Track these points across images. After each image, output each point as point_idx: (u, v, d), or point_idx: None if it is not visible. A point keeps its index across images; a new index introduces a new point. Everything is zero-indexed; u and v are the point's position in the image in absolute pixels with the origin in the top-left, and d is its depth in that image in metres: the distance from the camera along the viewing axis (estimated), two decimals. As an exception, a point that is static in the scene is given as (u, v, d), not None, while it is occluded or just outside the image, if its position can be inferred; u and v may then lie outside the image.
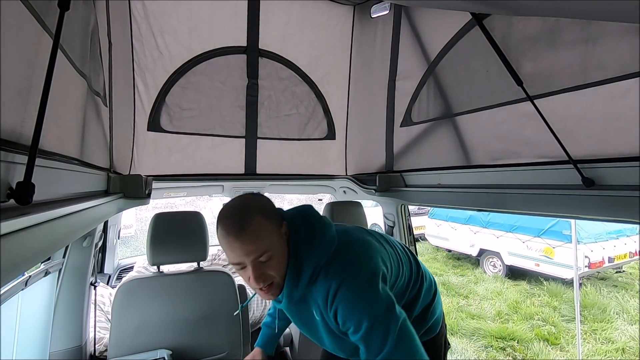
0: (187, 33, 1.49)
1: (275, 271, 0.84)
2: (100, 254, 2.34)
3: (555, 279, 5.66)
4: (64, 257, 1.46)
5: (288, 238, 0.89)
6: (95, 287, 1.63)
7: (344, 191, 2.04)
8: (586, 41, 0.94)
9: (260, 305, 2.17)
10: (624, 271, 5.97)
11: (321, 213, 1.05)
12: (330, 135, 1.86)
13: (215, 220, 0.87)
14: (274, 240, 0.83)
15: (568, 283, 5.39)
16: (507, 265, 6.24)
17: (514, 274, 6.23)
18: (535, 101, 1.05)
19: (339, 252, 0.88)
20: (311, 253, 0.87)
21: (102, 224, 1.99)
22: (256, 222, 0.81)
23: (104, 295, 1.96)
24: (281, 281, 0.87)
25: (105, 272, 2.40)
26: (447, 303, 5.17)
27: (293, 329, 2.03)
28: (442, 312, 1.17)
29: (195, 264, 1.69)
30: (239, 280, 1.95)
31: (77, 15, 0.74)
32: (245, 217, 0.81)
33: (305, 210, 0.95)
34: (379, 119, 1.76)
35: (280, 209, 0.93)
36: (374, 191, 1.80)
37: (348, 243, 0.92)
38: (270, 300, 1.21)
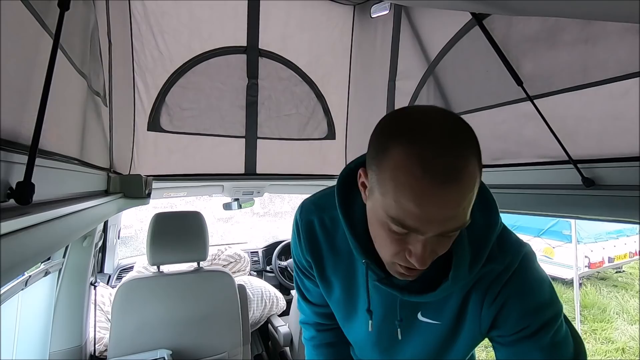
0: (187, 33, 1.49)
1: (440, 252, 0.52)
2: (100, 254, 2.34)
3: (555, 279, 5.65)
4: (64, 257, 1.46)
5: None
6: (95, 287, 1.63)
7: (344, 191, 2.04)
8: (586, 41, 0.94)
9: (260, 305, 2.17)
10: (624, 271, 5.97)
11: None
12: (330, 135, 1.86)
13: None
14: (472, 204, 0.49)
15: (568, 283, 5.38)
16: (507, 265, 6.23)
17: (514, 274, 6.22)
18: (535, 101, 1.05)
19: (505, 233, 0.63)
20: (492, 231, 0.58)
21: (102, 224, 1.99)
22: (472, 168, 0.45)
23: (104, 295, 1.96)
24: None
25: (105, 272, 2.40)
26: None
27: (293, 329, 2.03)
28: None
29: (195, 264, 1.69)
30: (238, 280, 1.95)
31: (77, 15, 0.74)
32: (462, 154, 0.45)
33: None
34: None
35: None
36: (374, 191, 1.79)
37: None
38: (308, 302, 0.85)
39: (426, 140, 0.45)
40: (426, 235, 0.47)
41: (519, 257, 0.60)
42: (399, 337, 0.66)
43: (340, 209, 0.62)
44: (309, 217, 0.71)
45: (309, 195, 0.76)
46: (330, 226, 0.69)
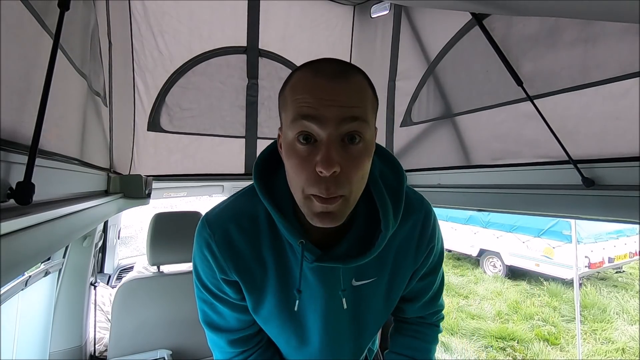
0: (187, 33, 1.49)
1: (354, 170, 0.52)
2: (100, 254, 2.34)
3: (555, 279, 5.66)
4: (64, 257, 1.46)
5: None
6: (95, 287, 1.63)
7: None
8: (586, 41, 0.94)
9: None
10: (624, 271, 5.97)
11: None
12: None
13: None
14: (371, 116, 0.54)
15: (568, 283, 5.39)
16: (507, 266, 6.24)
17: (514, 274, 6.23)
18: (535, 101, 1.05)
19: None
20: (402, 179, 0.66)
21: (102, 224, 1.99)
22: (359, 78, 0.53)
23: (104, 295, 1.96)
24: (350, 202, 0.54)
25: (105, 272, 2.40)
26: (447, 303, 5.15)
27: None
28: None
29: (195, 264, 1.68)
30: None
31: (77, 15, 0.74)
32: (347, 66, 0.54)
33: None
34: (379, 119, 1.76)
35: None
36: (374, 191, 1.80)
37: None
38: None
39: (317, 63, 0.54)
40: (328, 132, 0.50)
41: (429, 206, 0.71)
42: (344, 305, 0.65)
43: (263, 195, 0.60)
44: (224, 227, 0.63)
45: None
46: (250, 228, 0.63)
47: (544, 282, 5.74)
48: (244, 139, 1.67)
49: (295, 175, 0.53)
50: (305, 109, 0.50)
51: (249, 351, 0.77)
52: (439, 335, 0.85)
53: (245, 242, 0.63)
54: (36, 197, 0.43)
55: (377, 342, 0.98)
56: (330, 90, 0.50)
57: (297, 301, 0.63)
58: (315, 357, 0.72)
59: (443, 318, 0.85)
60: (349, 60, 1.83)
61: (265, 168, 0.64)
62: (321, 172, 0.49)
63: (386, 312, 0.73)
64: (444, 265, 0.81)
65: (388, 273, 0.68)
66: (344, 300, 0.65)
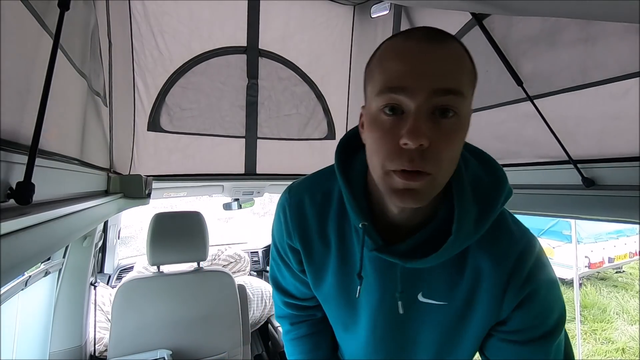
0: (187, 33, 1.49)
1: (445, 149, 0.46)
2: (100, 254, 2.34)
3: (555, 279, 5.66)
4: (64, 257, 1.46)
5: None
6: (95, 287, 1.63)
7: (344, 191, 2.04)
8: (586, 41, 0.94)
9: (260, 305, 2.18)
10: (624, 271, 5.97)
11: None
12: (330, 135, 1.86)
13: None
14: (468, 91, 0.47)
15: (568, 283, 5.39)
16: (507, 265, 6.23)
17: (514, 274, 6.22)
18: (535, 101, 1.05)
19: (510, 213, 0.61)
20: (500, 194, 0.55)
21: (102, 224, 1.99)
22: (457, 45, 0.47)
23: (104, 295, 1.96)
24: (436, 184, 0.47)
25: (105, 272, 2.40)
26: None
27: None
28: None
29: (195, 264, 1.69)
30: (238, 280, 1.95)
31: (77, 15, 0.74)
32: (443, 32, 0.47)
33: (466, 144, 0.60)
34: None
35: None
36: (374, 191, 1.80)
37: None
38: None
39: (410, 30, 0.48)
40: (417, 103, 0.44)
41: (535, 243, 0.56)
42: (400, 310, 0.57)
43: (339, 169, 0.58)
44: (300, 197, 0.64)
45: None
46: (322, 203, 0.63)
47: (544, 282, 5.73)
48: (244, 139, 1.67)
49: (377, 148, 0.47)
50: (393, 79, 0.45)
51: (302, 318, 0.80)
52: None
53: (313, 215, 0.63)
54: (36, 197, 0.43)
55: None
56: (422, 56, 0.44)
57: (359, 287, 0.58)
58: (360, 350, 0.69)
59: None
60: (348, 60, 1.83)
61: (346, 148, 0.62)
62: (406, 144, 0.43)
63: (450, 348, 0.62)
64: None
65: (461, 304, 0.57)
66: (399, 303, 0.57)
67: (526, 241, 0.55)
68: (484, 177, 0.56)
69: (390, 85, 0.45)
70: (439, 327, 0.59)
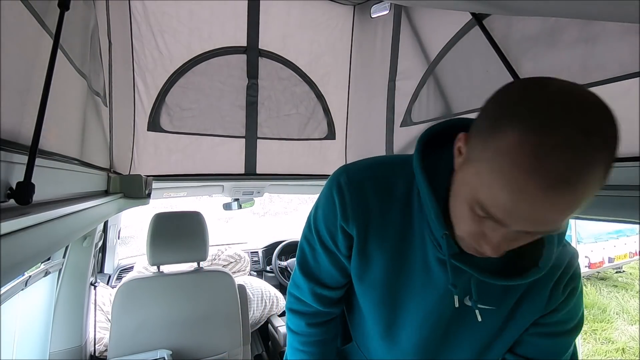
0: (187, 33, 1.49)
1: (524, 242, 0.47)
2: (100, 254, 2.34)
3: (555, 279, 5.65)
4: (64, 257, 1.46)
5: None
6: (95, 287, 1.63)
7: (344, 191, 2.04)
8: (586, 41, 0.94)
9: (260, 305, 2.18)
10: (624, 271, 5.97)
11: None
12: (330, 135, 1.86)
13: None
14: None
15: (568, 283, 5.38)
16: (507, 265, 6.23)
17: (514, 274, 6.22)
18: (535, 101, 1.04)
19: None
20: None
21: (102, 224, 1.99)
22: (596, 176, 0.38)
23: (104, 295, 1.96)
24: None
25: (105, 272, 2.40)
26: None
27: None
28: None
29: (195, 264, 1.69)
30: (239, 280, 1.95)
31: (77, 15, 0.74)
32: (592, 160, 0.37)
33: None
34: (379, 119, 1.76)
35: None
36: (374, 191, 1.79)
37: None
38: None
39: (552, 130, 0.36)
40: (509, 229, 0.42)
41: (575, 253, 0.62)
42: (479, 318, 0.58)
43: (421, 173, 0.55)
44: (362, 179, 0.61)
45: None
46: (385, 192, 0.60)
47: (544, 282, 5.73)
48: (244, 139, 1.67)
49: (461, 220, 0.48)
50: (496, 211, 0.41)
51: (323, 317, 0.77)
52: None
53: (375, 202, 0.60)
54: (36, 197, 0.43)
55: None
56: (541, 203, 0.37)
57: (455, 296, 0.58)
58: (399, 349, 0.69)
59: None
60: (348, 60, 1.83)
61: (431, 143, 0.58)
62: (485, 250, 0.46)
63: (489, 347, 0.65)
64: None
65: (510, 307, 0.61)
66: (477, 312, 0.58)
67: (570, 252, 0.61)
68: None
69: (488, 210, 0.42)
70: (483, 330, 0.62)
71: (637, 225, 3.68)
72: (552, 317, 0.62)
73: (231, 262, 2.37)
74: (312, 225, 0.69)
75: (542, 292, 0.60)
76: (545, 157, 0.36)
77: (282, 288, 2.55)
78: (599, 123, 0.39)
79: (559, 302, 0.61)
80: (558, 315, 0.62)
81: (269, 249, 2.77)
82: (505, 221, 0.41)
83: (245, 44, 1.60)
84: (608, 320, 4.62)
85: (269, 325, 2.26)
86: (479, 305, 0.58)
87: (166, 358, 1.44)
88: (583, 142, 0.36)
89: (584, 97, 0.39)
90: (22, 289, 1.12)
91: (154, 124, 1.50)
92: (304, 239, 0.73)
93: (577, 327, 0.64)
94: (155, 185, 1.43)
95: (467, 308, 0.59)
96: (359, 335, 0.79)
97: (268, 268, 2.71)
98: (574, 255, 0.62)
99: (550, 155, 0.36)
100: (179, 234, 1.56)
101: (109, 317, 1.66)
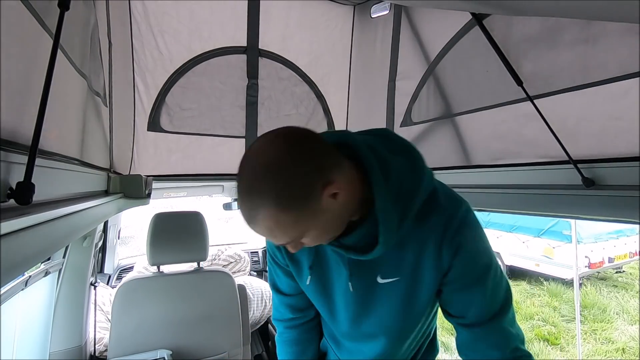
0: (187, 33, 1.49)
1: (316, 241, 0.63)
2: (100, 254, 2.34)
3: (555, 279, 5.66)
4: (64, 257, 1.46)
5: (364, 170, 0.62)
6: (95, 287, 1.63)
7: (344, 191, 2.04)
8: (586, 41, 0.94)
9: (260, 305, 2.18)
10: (624, 271, 5.96)
11: None
12: (330, 135, 1.86)
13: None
14: (304, 225, 0.58)
15: (568, 283, 5.38)
16: (507, 265, 6.24)
17: (514, 274, 6.22)
18: (535, 101, 1.05)
19: (442, 186, 0.72)
20: (415, 184, 0.65)
21: (102, 224, 1.99)
22: (269, 219, 0.55)
23: (104, 295, 1.96)
24: (326, 241, 0.66)
25: (105, 272, 2.40)
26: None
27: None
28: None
29: (195, 264, 1.69)
30: (239, 280, 1.95)
31: (77, 15, 0.74)
32: (255, 208, 0.55)
33: (389, 134, 0.74)
34: (379, 119, 1.76)
35: (329, 153, 0.59)
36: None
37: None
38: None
39: (238, 181, 0.57)
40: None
41: (460, 208, 0.68)
42: (351, 289, 0.74)
43: None
44: None
45: None
46: None
47: (544, 282, 5.74)
48: (244, 139, 1.67)
49: None
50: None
51: (297, 320, 0.93)
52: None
53: None
54: (36, 197, 0.43)
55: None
56: (254, 230, 0.59)
57: (309, 277, 0.78)
58: (345, 331, 0.83)
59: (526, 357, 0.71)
60: (348, 60, 1.83)
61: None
62: None
63: (409, 314, 0.75)
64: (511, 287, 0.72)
65: (410, 274, 0.70)
66: (350, 284, 0.74)
67: (453, 208, 0.68)
68: (408, 173, 0.66)
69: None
70: (399, 298, 0.73)
71: (637, 225, 3.68)
72: (454, 274, 0.69)
73: (231, 262, 2.37)
74: (266, 246, 0.86)
75: (432, 253, 0.68)
76: (240, 206, 0.58)
77: (282, 288, 2.54)
78: (257, 173, 0.55)
79: (451, 258, 0.67)
80: (457, 271, 0.68)
81: (269, 249, 2.76)
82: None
83: (245, 44, 1.60)
84: (608, 320, 4.62)
85: (269, 325, 2.26)
86: (385, 280, 0.72)
87: (166, 358, 1.44)
88: (246, 195, 0.56)
89: (247, 161, 0.57)
90: (22, 289, 1.12)
91: (154, 124, 1.50)
92: (267, 258, 0.90)
93: (486, 274, 0.69)
94: (155, 185, 1.43)
95: (380, 286, 0.72)
96: (324, 327, 0.96)
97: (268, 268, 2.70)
98: (453, 214, 0.67)
99: (240, 205, 0.57)
100: (179, 234, 1.56)
101: (109, 317, 1.66)
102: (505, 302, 0.71)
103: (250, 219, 0.57)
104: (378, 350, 0.81)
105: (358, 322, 0.79)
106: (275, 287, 0.91)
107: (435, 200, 0.68)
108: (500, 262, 5.25)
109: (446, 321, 0.78)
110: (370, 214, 0.64)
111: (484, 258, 0.70)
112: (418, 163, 0.68)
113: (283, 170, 0.54)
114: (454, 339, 0.80)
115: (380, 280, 0.72)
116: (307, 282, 0.80)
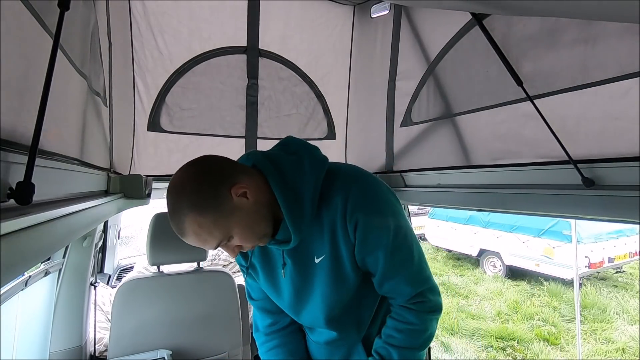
0: (187, 33, 1.49)
1: (248, 241, 0.74)
2: (100, 254, 2.34)
3: (555, 279, 5.66)
4: (64, 257, 1.46)
5: (264, 180, 0.75)
6: (95, 287, 1.63)
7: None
8: (586, 41, 0.94)
9: (260, 305, 2.17)
10: (624, 271, 5.97)
11: None
12: (330, 135, 1.86)
13: None
14: (225, 223, 0.70)
15: (568, 283, 5.39)
16: (507, 266, 6.24)
17: (514, 274, 6.23)
18: (535, 101, 1.05)
19: (338, 170, 0.81)
20: (305, 174, 0.76)
21: (102, 224, 1.99)
22: (192, 224, 0.68)
23: (104, 295, 1.96)
24: (261, 241, 0.77)
25: (105, 272, 2.41)
26: (447, 303, 5.17)
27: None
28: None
29: (195, 264, 1.69)
30: (239, 280, 1.95)
31: (77, 15, 0.74)
32: (179, 219, 0.68)
33: (289, 139, 0.86)
34: (379, 119, 1.76)
35: (230, 165, 0.75)
36: (374, 191, 1.79)
37: (347, 166, 0.85)
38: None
39: (168, 213, 0.71)
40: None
41: (352, 186, 0.77)
42: (282, 276, 0.86)
43: None
44: None
45: None
46: None
47: (544, 282, 5.74)
48: (244, 139, 1.67)
49: None
50: None
51: (276, 326, 1.01)
52: (430, 329, 0.86)
53: None
54: (36, 197, 0.43)
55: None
56: (187, 241, 0.71)
57: (261, 275, 0.91)
58: (294, 315, 0.95)
59: (432, 309, 0.85)
60: (348, 60, 1.83)
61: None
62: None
63: (342, 285, 0.85)
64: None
65: (330, 250, 0.81)
66: (282, 272, 0.87)
67: (347, 188, 0.77)
68: (299, 166, 0.77)
69: None
70: (330, 272, 0.83)
71: (637, 225, 3.68)
72: (358, 243, 0.79)
73: (231, 262, 2.37)
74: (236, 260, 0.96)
75: (341, 230, 0.78)
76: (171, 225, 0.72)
77: (282, 288, 2.54)
78: (173, 193, 0.70)
79: (353, 232, 0.78)
80: (359, 240, 0.78)
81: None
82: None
83: (245, 44, 1.60)
84: (608, 320, 4.63)
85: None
86: (319, 259, 0.82)
87: (166, 358, 1.44)
88: (171, 211, 0.70)
89: (170, 190, 0.71)
90: (22, 289, 1.12)
91: (154, 124, 1.50)
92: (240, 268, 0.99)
93: (384, 237, 0.79)
94: (155, 185, 1.43)
95: (316, 265, 0.83)
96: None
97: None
98: (348, 194, 0.76)
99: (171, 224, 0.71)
100: (179, 234, 1.56)
101: (109, 317, 1.66)
102: (406, 260, 0.83)
103: (180, 232, 0.69)
104: (328, 330, 0.93)
105: (302, 302, 0.89)
106: (250, 297, 1.01)
107: (334, 182, 0.78)
108: (500, 263, 5.23)
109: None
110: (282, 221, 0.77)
111: (381, 227, 0.79)
112: (305, 156, 0.79)
113: (191, 183, 0.69)
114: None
115: (316, 260, 0.83)
116: (262, 281, 0.91)
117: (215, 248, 0.72)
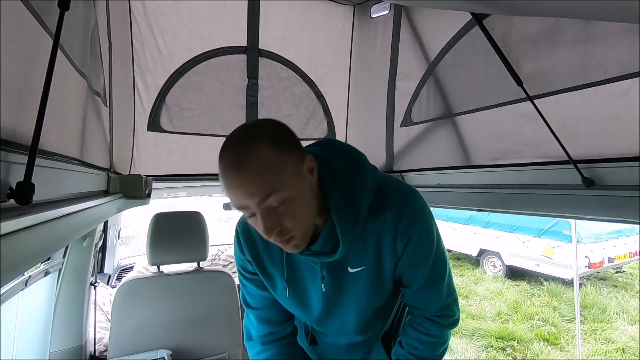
0: (187, 33, 1.49)
1: (293, 221, 0.64)
2: (100, 254, 2.34)
3: (555, 279, 5.66)
4: (64, 257, 1.46)
5: (319, 176, 0.70)
6: (95, 287, 1.63)
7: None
8: (586, 41, 0.94)
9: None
10: (624, 271, 5.97)
11: None
12: (330, 135, 1.86)
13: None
14: (288, 178, 0.62)
15: (568, 283, 5.39)
16: (507, 266, 6.24)
17: (514, 274, 6.23)
18: (535, 101, 1.05)
19: (388, 182, 0.79)
20: (363, 182, 0.73)
21: (102, 224, 1.99)
22: (262, 154, 0.59)
23: (104, 295, 1.96)
24: (303, 234, 0.68)
25: (105, 272, 2.40)
26: (447, 303, 5.17)
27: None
28: None
29: (195, 264, 1.69)
30: (239, 280, 1.95)
31: (77, 15, 0.74)
32: (248, 147, 0.60)
33: (333, 141, 0.81)
34: (379, 119, 1.76)
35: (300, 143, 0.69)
36: (374, 191, 1.79)
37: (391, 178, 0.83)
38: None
39: (225, 144, 0.63)
40: (253, 210, 0.63)
41: (407, 205, 0.76)
42: (323, 289, 0.82)
43: None
44: (245, 222, 0.82)
45: None
46: None
47: (544, 282, 5.74)
48: (244, 139, 1.67)
49: (255, 229, 0.68)
50: (233, 202, 0.64)
51: (272, 336, 0.96)
52: (445, 340, 0.90)
53: (258, 237, 0.81)
54: (36, 197, 0.43)
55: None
56: (237, 185, 0.61)
57: (287, 289, 0.85)
58: (318, 321, 0.91)
59: (453, 322, 0.89)
60: (348, 60, 1.83)
61: None
62: (277, 238, 0.65)
63: (378, 294, 0.85)
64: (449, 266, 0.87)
65: (373, 262, 0.80)
66: (322, 285, 0.82)
67: (401, 205, 0.76)
68: (352, 172, 0.74)
69: (234, 205, 0.64)
70: (368, 282, 0.81)
71: (637, 225, 3.68)
72: (405, 257, 0.79)
73: (231, 262, 2.37)
74: (236, 264, 0.93)
75: (389, 244, 0.77)
76: (224, 159, 0.61)
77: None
78: (248, 126, 0.67)
79: (403, 248, 0.77)
80: (407, 256, 0.78)
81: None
82: (238, 204, 0.63)
83: (245, 44, 1.60)
84: (608, 320, 4.63)
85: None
86: (354, 270, 0.80)
87: (166, 358, 1.44)
88: (237, 140, 0.62)
89: (242, 127, 0.66)
90: (22, 289, 1.12)
91: (154, 124, 1.50)
92: (239, 277, 0.95)
93: (428, 254, 0.80)
94: (155, 185, 1.43)
95: (350, 275, 0.81)
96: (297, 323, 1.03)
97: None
98: (402, 212, 0.75)
99: (224, 159, 0.61)
100: (179, 234, 1.56)
101: (109, 317, 1.66)
102: (442, 273, 0.85)
103: (242, 160, 0.59)
104: (352, 325, 0.91)
105: (331, 312, 0.88)
106: (248, 305, 0.96)
107: (385, 196, 0.76)
108: (500, 263, 5.23)
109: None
110: (328, 220, 0.74)
111: (428, 244, 0.81)
112: (360, 163, 0.76)
113: (277, 124, 0.66)
114: (454, 339, 0.84)
115: (350, 270, 0.81)
116: (287, 294, 0.86)
117: (260, 203, 0.61)
